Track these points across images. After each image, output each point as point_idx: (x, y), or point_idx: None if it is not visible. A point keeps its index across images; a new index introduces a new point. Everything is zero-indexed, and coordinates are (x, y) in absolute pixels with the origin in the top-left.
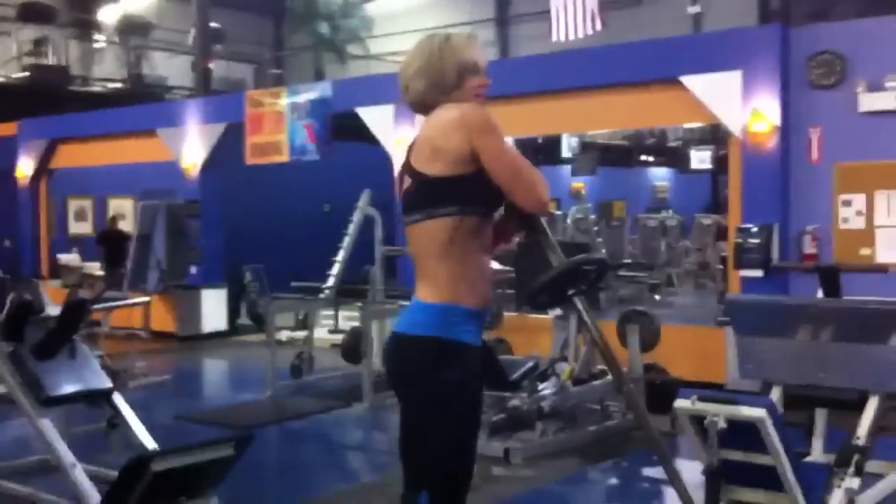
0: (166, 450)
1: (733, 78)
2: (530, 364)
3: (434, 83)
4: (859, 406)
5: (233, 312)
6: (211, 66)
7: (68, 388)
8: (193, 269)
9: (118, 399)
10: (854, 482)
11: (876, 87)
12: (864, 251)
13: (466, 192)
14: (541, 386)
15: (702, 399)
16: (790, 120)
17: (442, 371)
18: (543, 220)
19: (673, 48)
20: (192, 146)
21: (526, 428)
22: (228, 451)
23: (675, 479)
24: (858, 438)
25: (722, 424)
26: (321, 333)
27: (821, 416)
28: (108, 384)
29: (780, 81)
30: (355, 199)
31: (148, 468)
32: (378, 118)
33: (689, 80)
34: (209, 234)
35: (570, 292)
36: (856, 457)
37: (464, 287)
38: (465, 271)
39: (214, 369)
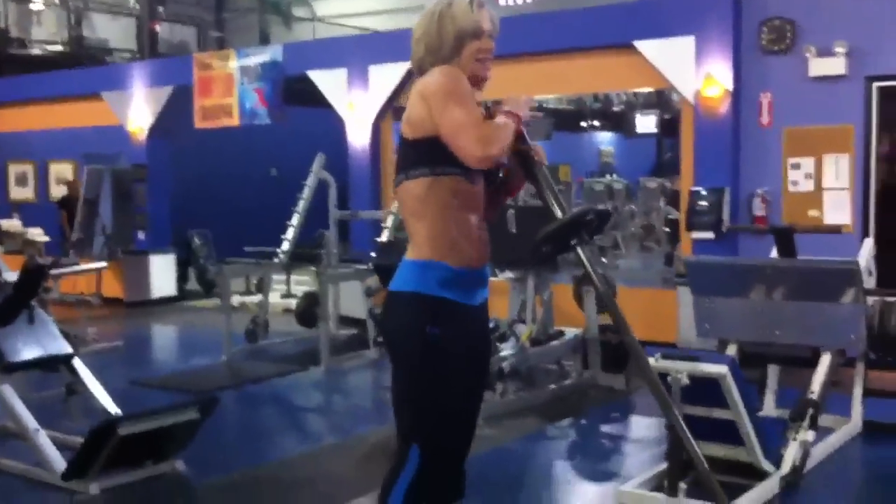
0: (132, 414)
1: (687, 43)
2: (490, 325)
3: (431, 50)
4: (812, 362)
5: (181, 278)
6: (157, 28)
7: (28, 354)
8: (141, 235)
9: (79, 364)
10: (809, 435)
11: (825, 52)
12: (813, 213)
13: (435, 153)
14: (500, 347)
15: (665, 357)
16: (742, 85)
17: (421, 326)
18: (545, 173)
19: (627, 13)
20: (138, 109)
21: (487, 388)
22: (194, 415)
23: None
24: (812, 393)
25: (685, 381)
26: (274, 298)
27: (773, 372)
28: (69, 349)
29: (732, 46)
30: (307, 163)
31: (115, 432)
32: (330, 82)
33: (642, 45)
34: (156, 199)
35: (572, 242)
36: (810, 410)
37: (444, 245)
38: (444, 229)
39: (166, 335)
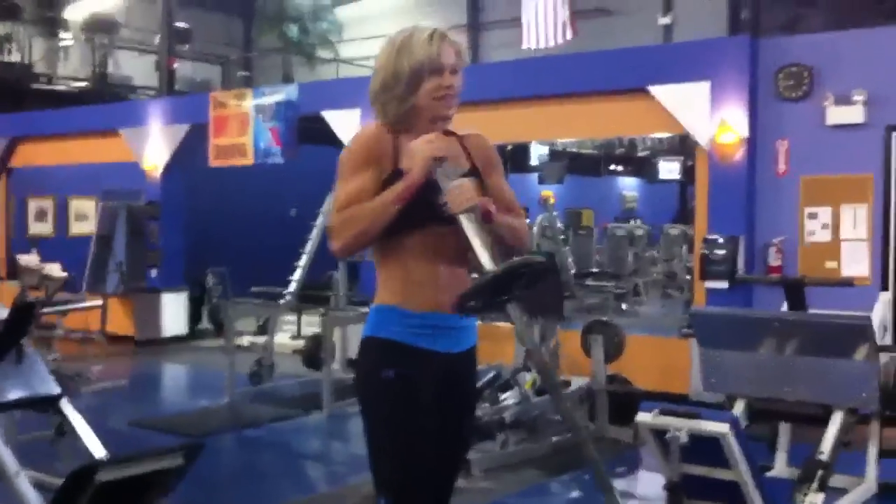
0: (112, 458)
1: (701, 88)
2: (492, 374)
3: (386, 86)
4: (823, 420)
5: (193, 316)
6: (175, 66)
7: (13, 395)
8: (154, 272)
9: (66, 406)
10: (818, 497)
11: (843, 100)
12: (830, 264)
13: None
14: (503, 396)
15: (663, 413)
16: (757, 131)
17: (377, 369)
18: (473, 224)
19: (642, 58)
20: (154, 147)
21: (487, 439)
22: (178, 461)
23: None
24: (822, 453)
25: (684, 439)
26: (282, 339)
27: (784, 429)
28: (56, 390)
29: (748, 93)
30: (320, 202)
31: (93, 478)
32: (344, 122)
33: (657, 90)
34: (169, 237)
35: (503, 298)
36: (819, 472)
37: (399, 290)
38: (399, 275)
39: (172, 374)
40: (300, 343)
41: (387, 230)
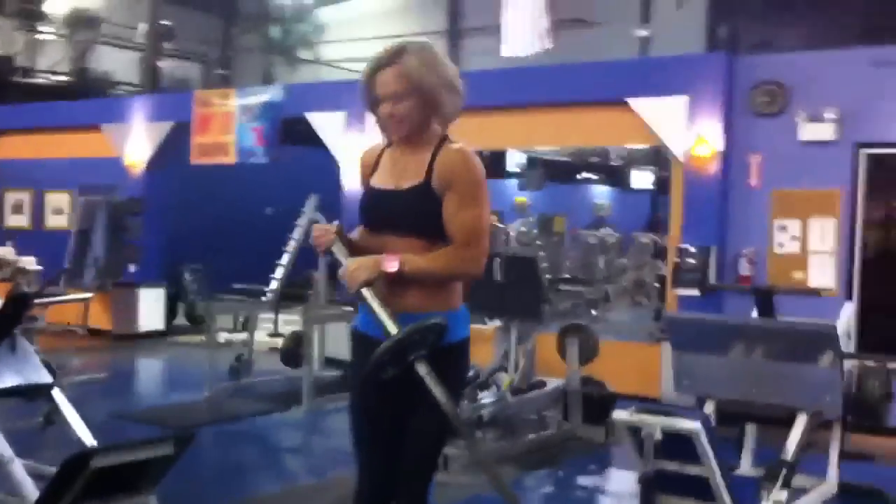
0: (107, 446)
1: (679, 102)
2: (471, 373)
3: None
4: (788, 422)
5: (170, 312)
6: (161, 64)
7: (8, 382)
8: (132, 268)
9: (58, 394)
10: (781, 495)
11: (815, 117)
12: (798, 275)
13: None
14: (481, 395)
15: (639, 411)
16: (732, 145)
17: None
18: (372, 297)
19: (622, 70)
20: (136, 143)
21: (461, 437)
22: (168, 450)
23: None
24: (787, 454)
25: (658, 436)
26: (260, 336)
27: (751, 431)
28: (49, 379)
29: (723, 108)
30: (301, 202)
31: (88, 464)
32: (328, 124)
33: (636, 103)
34: (150, 233)
35: (410, 358)
36: (784, 471)
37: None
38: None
39: (150, 368)
40: (278, 341)
41: None
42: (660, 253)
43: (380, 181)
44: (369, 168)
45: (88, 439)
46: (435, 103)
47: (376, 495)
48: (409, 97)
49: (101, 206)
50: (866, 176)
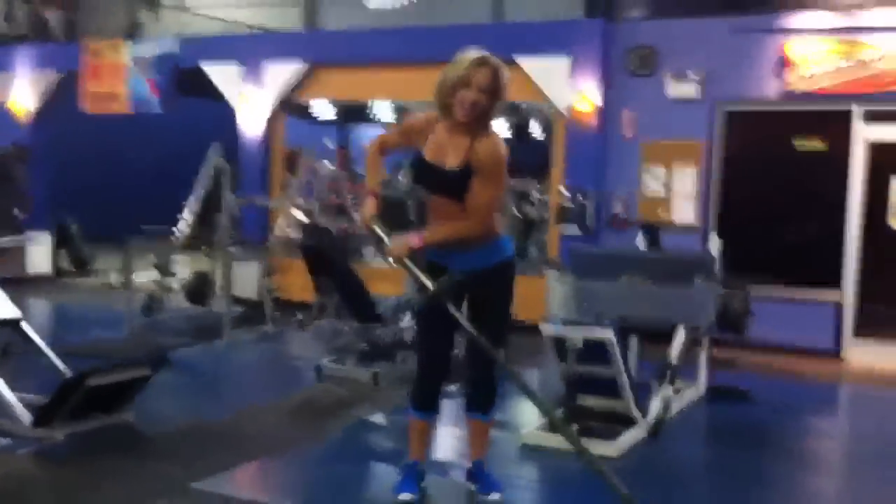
0: (98, 367)
1: (563, 63)
2: (392, 301)
3: (439, 87)
4: (669, 336)
5: (56, 257)
6: (49, 13)
7: None
8: (20, 213)
9: (27, 327)
10: (669, 390)
11: (681, 77)
12: (663, 214)
13: None
14: (402, 318)
15: (565, 323)
16: (609, 102)
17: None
18: (410, 263)
19: (511, 31)
20: (22, 92)
21: (386, 357)
22: (146, 371)
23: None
24: (672, 359)
25: (579, 344)
26: (149, 277)
27: (633, 345)
28: (18, 313)
29: (602, 68)
30: (196, 152)
31: (84, 383)
32: (225, 76)
33: (523, 61)
34: (37, 181)
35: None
36: (669, 372)
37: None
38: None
39: (61, 310)
40: (171, 280)
41: None
42: (524, 197)
43: (432, 156)
44: (420, 132)
45: (60, 365)
46: (495, 109)
47: (437, 370)
48: (491, 97)
49: None
50: (724, 129)
